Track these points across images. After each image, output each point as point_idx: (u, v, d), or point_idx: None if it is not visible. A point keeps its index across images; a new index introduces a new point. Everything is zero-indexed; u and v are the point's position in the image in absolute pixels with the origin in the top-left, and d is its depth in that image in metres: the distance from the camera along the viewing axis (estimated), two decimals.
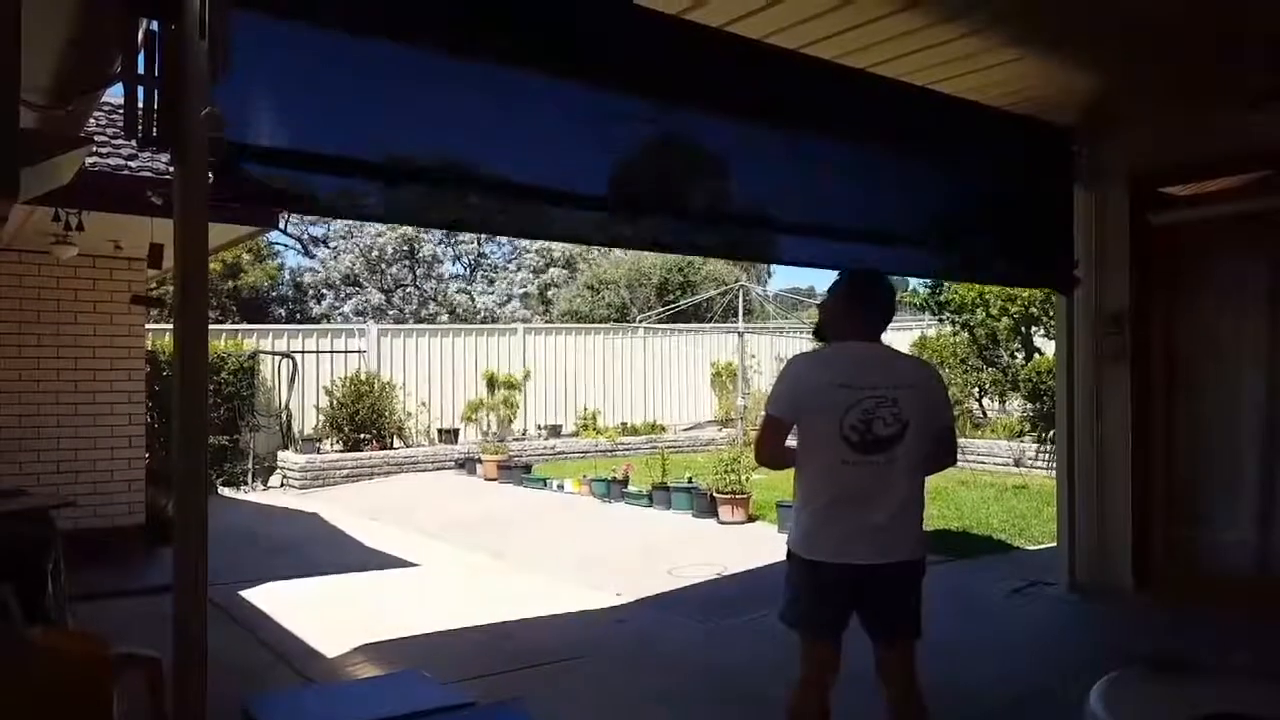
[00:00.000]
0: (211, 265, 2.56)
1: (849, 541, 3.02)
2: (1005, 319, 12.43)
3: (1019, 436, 12.84)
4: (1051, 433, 10.58)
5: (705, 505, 10.14)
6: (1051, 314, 9.53)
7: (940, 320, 14.11)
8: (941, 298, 13.27)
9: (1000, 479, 11.93)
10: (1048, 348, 11.95)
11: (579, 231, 4.69)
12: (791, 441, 3.17)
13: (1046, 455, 11.81)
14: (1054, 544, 6.68)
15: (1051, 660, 4.83)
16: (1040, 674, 4.62)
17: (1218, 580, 5.66)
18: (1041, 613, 5.98)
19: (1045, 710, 4.18)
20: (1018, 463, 12.45)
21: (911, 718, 3.12)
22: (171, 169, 2.86)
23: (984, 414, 14.65)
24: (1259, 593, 5.23)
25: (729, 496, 9.87)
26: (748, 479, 10.06)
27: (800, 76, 4.50)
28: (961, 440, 15.55)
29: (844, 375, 3.05)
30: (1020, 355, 12.96)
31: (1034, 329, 12.63)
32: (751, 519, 9.83)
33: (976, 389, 14.10)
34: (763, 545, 8.46)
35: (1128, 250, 6.00)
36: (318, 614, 6.13)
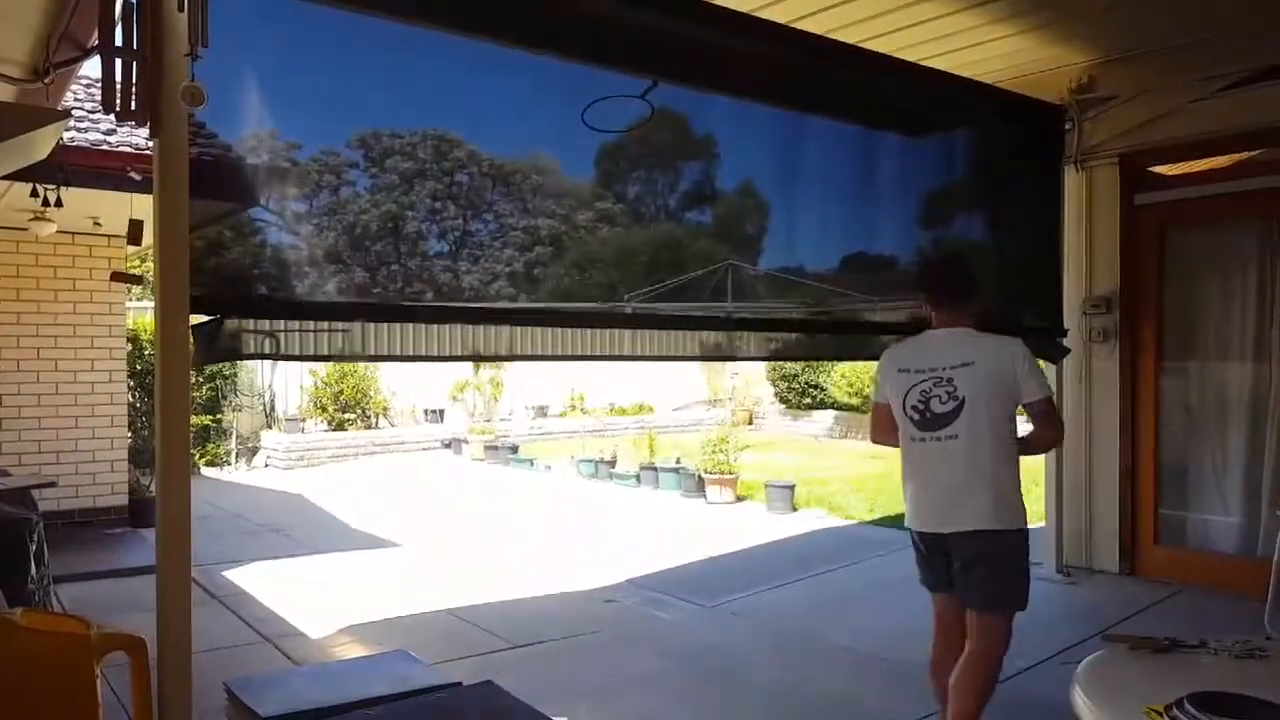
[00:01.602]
0: (191, 242, 2.53)
1: (924, 511, 3.32)
2: (994, 299, 12.44)
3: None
4: None
5: (693, 485, 10.16)
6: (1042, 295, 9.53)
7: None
8: None
9: None
10: (1039, 328, 11.95)
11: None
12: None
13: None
14: (1041, 525, 6.71)
15: (1038, 640, 4.85)
16: (1025, 652, 4.64)
17: (1205, 561, 5.70)
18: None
19: (1030, 688, 4.21)
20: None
21: (969, 667, 3.25)
22: (150, 144, 2.80)
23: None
24: (1245, 573, 5.27)
25: (717, 477, 9.89)
26: (736, 459, 10.07)
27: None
28: None
29: (905, 360, 3.35)
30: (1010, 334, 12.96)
31: (1024, 310, 12.64)
32: (740, 499, 9.85)
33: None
34: (751, 525, 8.48)
35: (1117, 230, 6.00)
36: (302, 594, 6.10)
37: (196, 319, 2.81)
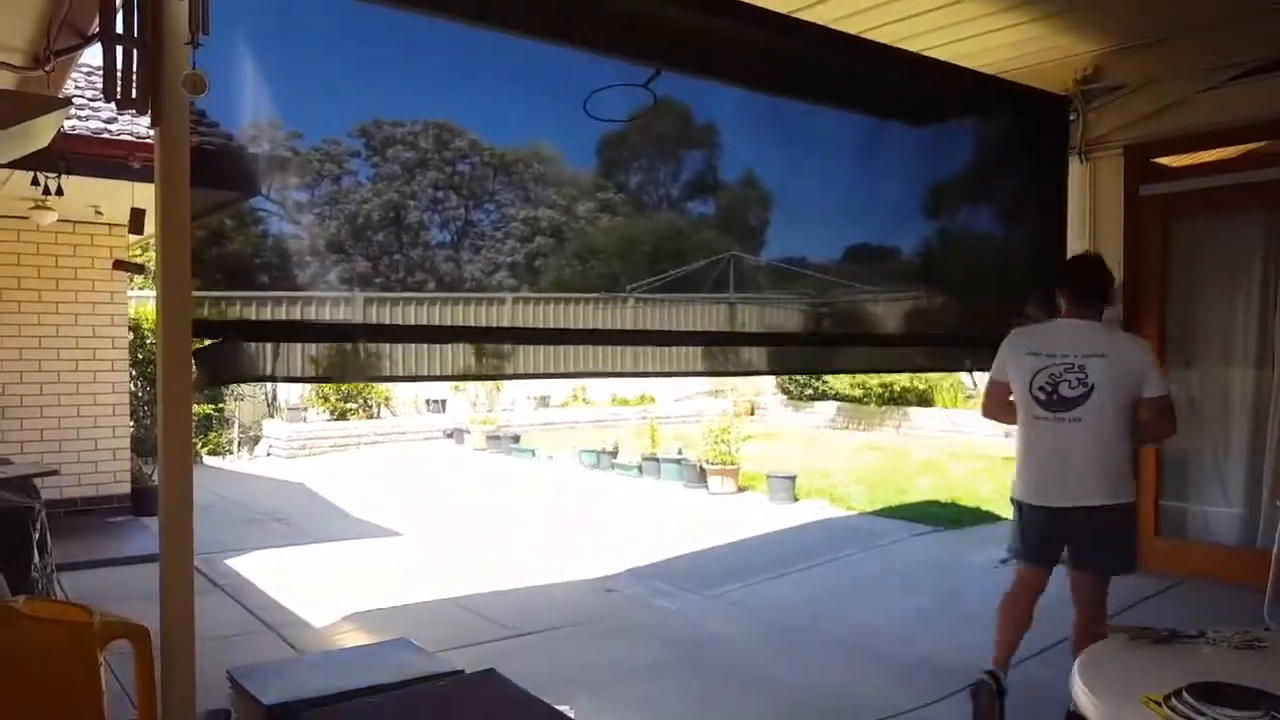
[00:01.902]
0: (196, 233, 2.53)
1: (1044, 487, 3.60)
2: (997, 290, 12.42)
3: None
4: None
5: (695, 476, 10.16)
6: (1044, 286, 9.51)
7: (931, 291, 14.11)
8: (935, 269, 13.24)
9: (989, 450, 11.99)
10: (1042, 319, 11.93)
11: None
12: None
13: None
14: None
15: (1035, 630, 4.85)
16: (1024, 644, 4.64)
17: (1205, 552, 5.70)
18: None
19: (1029, 679, 4.21)
20: (1007, 435, 12.50)
21: (1087, 632, 3.44)
22: (152, 132, 2.80)
23: (975, 385, 14.68)
24: (1245, 564, 5.27)
25: (719, 467, 9.89)
26: (738, 450, 10.08)
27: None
28: (952, 411, 15.61)
29: (1036, 345, 3.65)
30: (1012, 327, 12.95)
31: (1027, 301, 12.62)
32: (741, 489, 9.86)
33: (967, 360, 14.12)
34: (752, 516, 8.49)
35: (1121, 221, 5.98)
36: (305, 583, 6.12)
37: (197, 343, 2.81)
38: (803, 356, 5.28)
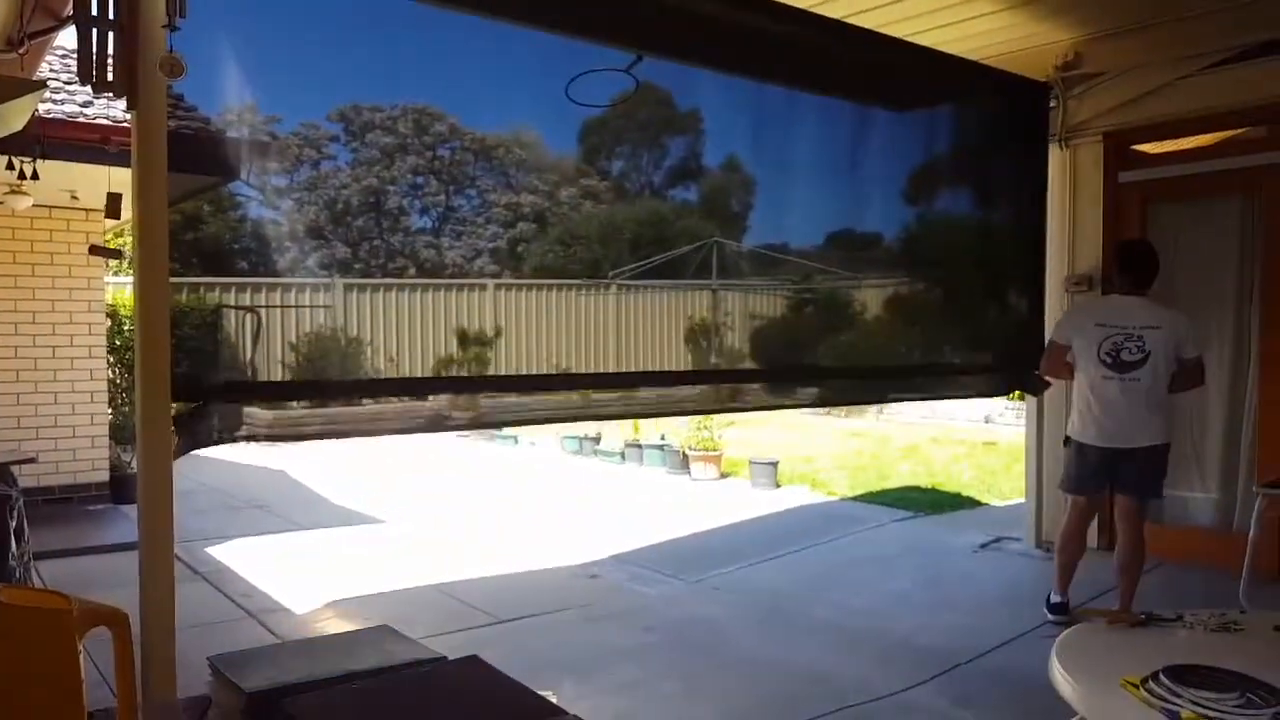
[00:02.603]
0: (171, 217, 2.49)
1: (1107, 432, 4.44)
2: (978, 276, 12.49)
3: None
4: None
5: (678, 462, 10.18)
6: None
7: (913, 277, 14.17)
8: (916, 254, 13.30)
9: (970, 436, 12.07)
10: (1021, 306, 12.02)
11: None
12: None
13: (1015, 412, 11.94)
14: (1021, 500, 6.78)
15: (1015, 614, 4.91)
16: (1004, 627, 4.69)
17: (1181, 536, 5.76)
18: (1007, 567, 6.08)
19: (1009, 662, 4.26)
20: (987, 420, 12.60)
21: (1129, 549, 4.49)
22: (128, 116, 2.76)
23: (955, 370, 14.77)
24: (1221, 548, 5.34)
25: (701, 454, 9.92)
26: (720, 437, 10.10)
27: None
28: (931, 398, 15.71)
29: (1100, 316, 4.54)
30: (994, 312, 13.03)
31: (1007, 286, 12.69)
32: (724, 476, 9.88)
33: (947, 346, 14.19)
34: (735, 501, 8.52)
35: (1100, 207, 6.01)
36: (286, 570, 6.10)
37: (176, 407, 2.79)
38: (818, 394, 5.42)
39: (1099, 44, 5.50)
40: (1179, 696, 2.02)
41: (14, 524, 4.42)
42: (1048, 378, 5.27)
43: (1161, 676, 2.09)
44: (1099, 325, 4.48)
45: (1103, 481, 4.58)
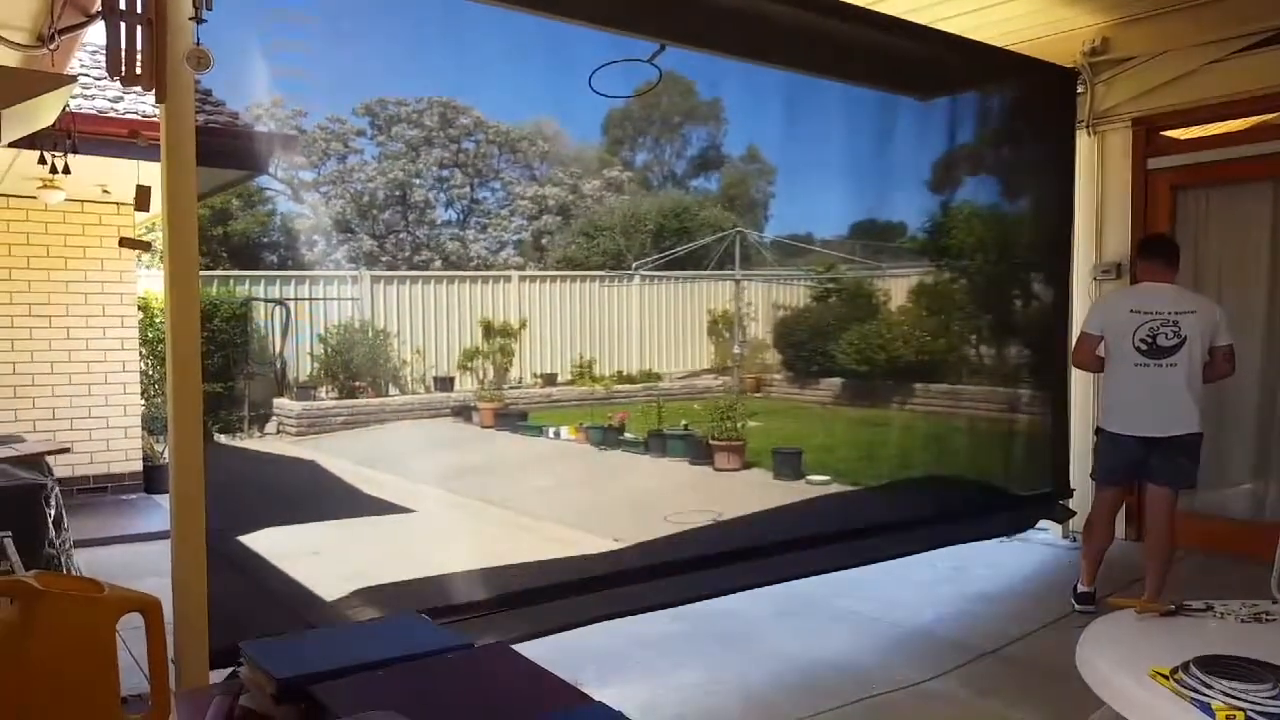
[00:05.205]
0: (199, 211, 2.53)
1: (1142, 419, 4.39)
2: (1004, 265, 12.36)
3: (1015, 383, 12.84)
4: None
5: (701, 452, 10.18)
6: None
7: (939, 266, 14.04)
8: (942, 244, 13.18)
9: (996, 425, 11.96)
10: (1047, 295, 11.92)
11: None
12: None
13: (1042, 402, 11.82)
14: (1047, 490, 6.72)
15: (1042, 604, 4.88)
16: (1030, 617, 4.67)
17: (1211, 526, 5.70)
18: (1033, 557, 6.04)
19: (1034, 652, 4.24)
20: (1013, 409, 12.48)
21: (1159, 539, 4.47)
22: (157, 110, 2.80)
23: (981, 360, 14.65)
24: (1252, 537, 5.27)
25: (724, 444, 9.90)
26: (743, 426, 10.08)
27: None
28: (956, 387, 15.56)
29: (1135, 303, 4.45)
30: (1019, 302, 12.91)
31: (1034, 275, 12.57)
32: (747, 466, 9.87)
33: (974, 335, 14.07)
34: (758, 491, 8.51)
35: (1129, 194, 5.94)
36: (315, 559, 6.15)
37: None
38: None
39: (1127, 29, 5.44)
40: (1210, 687, 2.00)
41: (52, 513, 4.50)
42: (1077, 369, 5.29)
43: (1192, 667, 2.08)
44: (1133, 312, 4.42)
45: (1134, 472, 4.54)
